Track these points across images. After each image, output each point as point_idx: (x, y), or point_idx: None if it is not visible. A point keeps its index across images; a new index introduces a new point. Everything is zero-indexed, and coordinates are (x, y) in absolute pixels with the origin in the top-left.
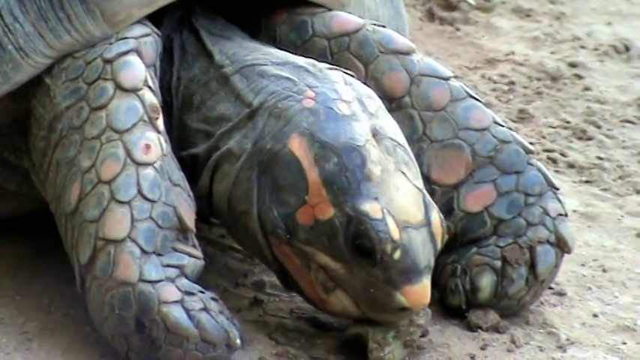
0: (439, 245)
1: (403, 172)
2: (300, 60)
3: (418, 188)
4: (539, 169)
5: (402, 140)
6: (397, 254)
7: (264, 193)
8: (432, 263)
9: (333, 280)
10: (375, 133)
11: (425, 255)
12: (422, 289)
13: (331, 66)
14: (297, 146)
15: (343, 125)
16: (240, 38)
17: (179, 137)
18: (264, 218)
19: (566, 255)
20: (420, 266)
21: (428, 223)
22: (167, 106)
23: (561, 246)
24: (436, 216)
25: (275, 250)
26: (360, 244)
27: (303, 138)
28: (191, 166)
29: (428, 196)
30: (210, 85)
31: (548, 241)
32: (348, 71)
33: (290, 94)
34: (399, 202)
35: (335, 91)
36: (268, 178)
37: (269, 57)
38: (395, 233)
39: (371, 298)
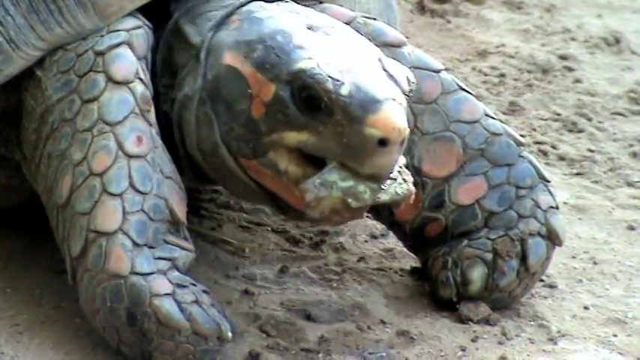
0: (402, 85)
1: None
2: None
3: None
4: (531, 162)
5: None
6: (344, 89)
7: (222, 117)
8: (401, 102)
9: (315, 152)
10: (310, 27)
11: (384, 88)
12: (387, 114)
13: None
14: (230, 58)
15: (265, 24)
16: None
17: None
18: (228, 140)
19: (556, 247)
20: (378, 96)
21: (383, 68)
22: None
23: (552, 238)
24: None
25: (251, 173)
26: (307, 97)
27: (232, 49)
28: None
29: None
30: (170, 42)
31: (539, 234)
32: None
33: (223, 24)
34: (344, 58)
35: (262, 7)
36: (220, 103)
37: (226, 2)
38: (334, 72)
39: (350, 151)
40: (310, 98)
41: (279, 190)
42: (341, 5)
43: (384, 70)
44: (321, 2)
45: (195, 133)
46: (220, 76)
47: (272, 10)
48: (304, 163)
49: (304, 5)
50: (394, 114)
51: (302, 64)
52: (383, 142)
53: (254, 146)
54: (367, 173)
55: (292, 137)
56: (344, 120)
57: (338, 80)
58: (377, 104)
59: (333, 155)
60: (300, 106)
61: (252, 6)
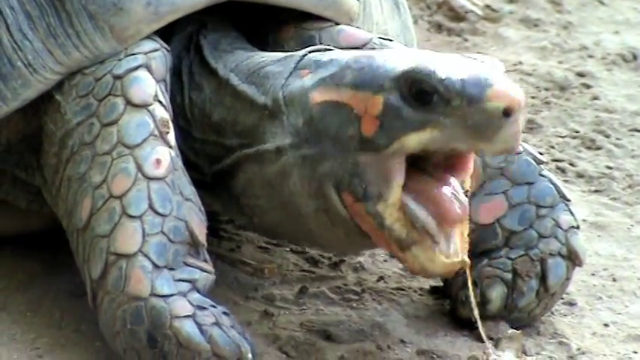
0: (496, 64)
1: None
2: (300, 51)
3: None
4: (551, 181)
5: None
6: (454, 75)
7: (330, 152)
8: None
9: (442, 146)
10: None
11: (485, 66)
12: (502, 85)
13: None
14: (319, 96)
15: (339, 58)
16: (242, 50)
17: (209, 156)
18: (336, 176)
19: (577, 267)
20: (485, 73)
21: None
22: (181, 130)
23: (573, 259)
24: None
25: (351, 213)
26: (418, 93)
27: (318, 87)
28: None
29: None
30: (225, 102)
31: (559, 254)
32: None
33: (293, 79)
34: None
35: (324, 52)
36: (324, 141)
37: (268, 57)
38: (437, 64)
39: (476, 132)
40: (422, 93)
41: (378, 240)
42: (358, 27)
43: (471, 58)
44: (337, 24)
45: (290, 182)
46: (314, 117)
47: (335, 52)
48: (411, 225)
49: (320, 28)
50: (508, 83)
51: (404, 66)
52: (507, 112)
53: (365, 188)
54: (499, 149)
55: (413, 139)
56: (463, 103)
57: (445, 68)
58: (489, 79)
59: (461, 142)
60: (413, 103)
61: (314, 56)
